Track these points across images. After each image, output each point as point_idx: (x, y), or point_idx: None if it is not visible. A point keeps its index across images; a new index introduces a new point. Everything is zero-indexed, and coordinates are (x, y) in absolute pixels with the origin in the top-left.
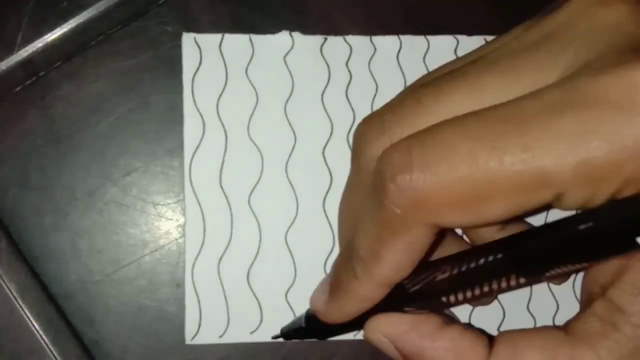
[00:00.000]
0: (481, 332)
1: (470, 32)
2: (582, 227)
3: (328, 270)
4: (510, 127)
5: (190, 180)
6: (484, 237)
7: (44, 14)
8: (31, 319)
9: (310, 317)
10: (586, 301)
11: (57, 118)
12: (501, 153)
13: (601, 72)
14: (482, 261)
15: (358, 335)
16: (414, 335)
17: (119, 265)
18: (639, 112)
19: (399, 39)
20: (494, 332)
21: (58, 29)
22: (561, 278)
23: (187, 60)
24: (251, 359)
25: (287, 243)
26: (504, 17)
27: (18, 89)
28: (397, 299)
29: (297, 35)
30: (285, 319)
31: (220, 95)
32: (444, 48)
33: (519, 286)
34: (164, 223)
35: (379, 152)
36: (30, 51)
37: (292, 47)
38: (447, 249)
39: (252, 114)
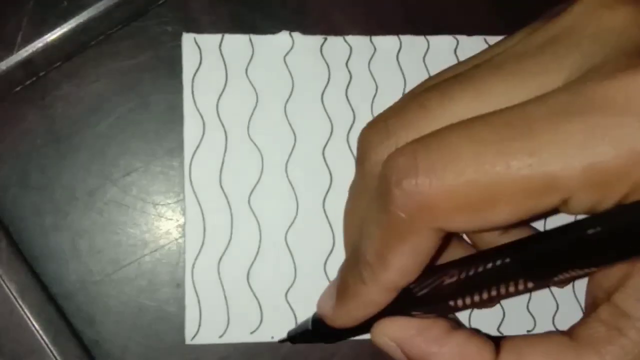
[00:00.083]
0: (487, 337)
1: (470, 32)
2: (590, 231)
3: (328, 270)
4: (516, 132)
5: (190, 180)
6: (488, 242)
7: (44, 14)
8: (31, 319)
9: (317, 321)
10: (591, 306)
11: (57, 118)
12: (508, 157)
13: (608, 76)
14: (490, 265)
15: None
16: (421, 339)
17: (119, 265)
18: None
19: (399, 39)
20: (494, 332)
21: (58, 29)
22: (566, 282)
23: (187, 60)
24: (251, 359)
25: (287, 243)
26: (504, 17)
27: (18, 89)
28: (404, 303)
29: (297, 35)
30: (285, 319)
31: (220, 95)
32: (444, 48)
33: (527, 291)
34: (164, 223)
35: (384, 156)
36: (30, 51)
37: (292, 47)
38: (453, 253)
39: (252, 114)
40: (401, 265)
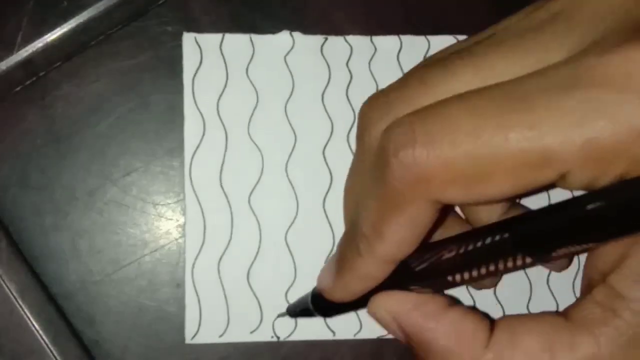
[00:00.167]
0: (484, 315)
1: (470, 32)
2: (590, 206)
3: None
4: (516, 105)
5: (191, 180)
6: (484, 220)
7: (44, 14)
8: (31, 319)
9: (317, 296)
10: (586, 287)
11: (57, 118)
12: (506, 130)
13: (608, 51)
14: (488, 240)
15: (358, 335)
16: (417, 314)
17: (119, 265)
18: None
19: (399, 39)
20: None
21: (58, 29)
22: (563, 263)
23: (187, 60)
24: (251, 359)
25: (287, 243)
26: (504, 17)
27: (18, 89)
28: (402, 278)
29: (297, 35)
30: (285, 318)
31: (221, 95)
32: None
33: (525, 266)
34: (164, 223)
35: None
36: (30, 51)
37: (292, 47)
38: (450, 230)
39: (253, 113)
40: (397, 237)
